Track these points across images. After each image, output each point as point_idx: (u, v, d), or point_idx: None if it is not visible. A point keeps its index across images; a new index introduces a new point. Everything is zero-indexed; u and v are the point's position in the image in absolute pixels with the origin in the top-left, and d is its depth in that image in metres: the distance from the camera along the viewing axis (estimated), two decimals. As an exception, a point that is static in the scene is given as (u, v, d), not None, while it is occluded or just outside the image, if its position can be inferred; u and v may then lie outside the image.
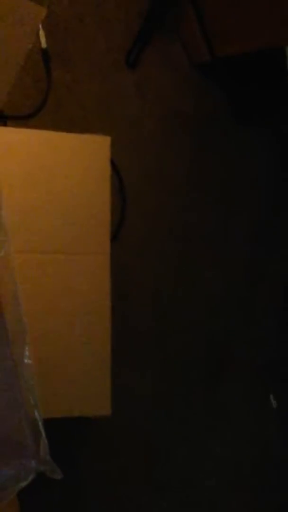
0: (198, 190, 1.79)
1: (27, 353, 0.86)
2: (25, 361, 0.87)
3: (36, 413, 0.87)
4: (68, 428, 1.26)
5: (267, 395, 1.94)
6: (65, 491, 1.44)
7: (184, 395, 1.73)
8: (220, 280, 1.84)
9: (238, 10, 1.61)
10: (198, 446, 1.76)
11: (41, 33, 1.42)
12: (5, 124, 1.38)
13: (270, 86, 1.93)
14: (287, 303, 2.03)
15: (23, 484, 0.84)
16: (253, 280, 1.93)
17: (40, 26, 1.41)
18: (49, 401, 1.14)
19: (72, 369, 1.24)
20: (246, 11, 1.59)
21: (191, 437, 1.74)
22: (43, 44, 1.44)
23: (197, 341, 1.77)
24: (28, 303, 1.16)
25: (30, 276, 1.21)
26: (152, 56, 1.69)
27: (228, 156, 1.89)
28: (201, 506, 1.75)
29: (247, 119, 1.93)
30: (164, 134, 1.73)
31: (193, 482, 1.74)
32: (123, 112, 1.64)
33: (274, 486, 1.94)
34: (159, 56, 1.71)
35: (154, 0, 1.66)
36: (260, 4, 1.55)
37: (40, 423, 0.87)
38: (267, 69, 1.89)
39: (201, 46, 1.72)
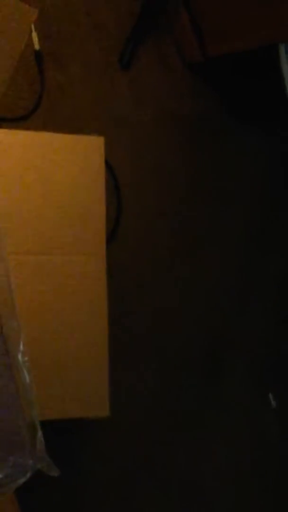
0: (194, 188, 1.79)
1: (21, 348, 0.87)
2: (20, 357, 0.87)
3: (32, 410, 0.87)
4: (68, 427, 1.26)
5: (267, 394, 1.94)
6: (65, 491, 1.44)
7: (184, 394, 1.73)
8: (218, 278, 1.84)
9: (230, 9, 1.61)
10: (198, 446, 1.76)
11: (34, 34, 1.43)
12: (-1, 126, 1.39)
13: (264, 85, 1.93)
14: (285, 302, 2.03)
15: (21, 481, 0.84)
16: (252, 279, 1.93)
17: (33, 27, 1.42)
18: (45, 403, 1.13)
19: (69, 371, 1.23)
20: (237, 9, 1.60)
21: (191, 436, 1.74)
22: (36, 45, 1.45)
23: (196, 340, 1.77)
24: (24, 305, 1.16)
25: (26, 277, 1.20)
26: (146, 56, 1.70)
27: (225, 154, 1.89)
28: (202, 506, 1.75)
29: (243, 118, 1.93)
30: (159, 134, 1.73)
31: (193, 482, 1.74)
32: (117, 112, 1.64)
33: (275, 485, 1.94)
34: (152, 57, 1.71)
35: (146, 0, 1.67)
36: (251, 2, 1.55)
37: (36, 420, 0.87)
38: (261, 68, 1.90)
39: (194, 46, 1.73)
